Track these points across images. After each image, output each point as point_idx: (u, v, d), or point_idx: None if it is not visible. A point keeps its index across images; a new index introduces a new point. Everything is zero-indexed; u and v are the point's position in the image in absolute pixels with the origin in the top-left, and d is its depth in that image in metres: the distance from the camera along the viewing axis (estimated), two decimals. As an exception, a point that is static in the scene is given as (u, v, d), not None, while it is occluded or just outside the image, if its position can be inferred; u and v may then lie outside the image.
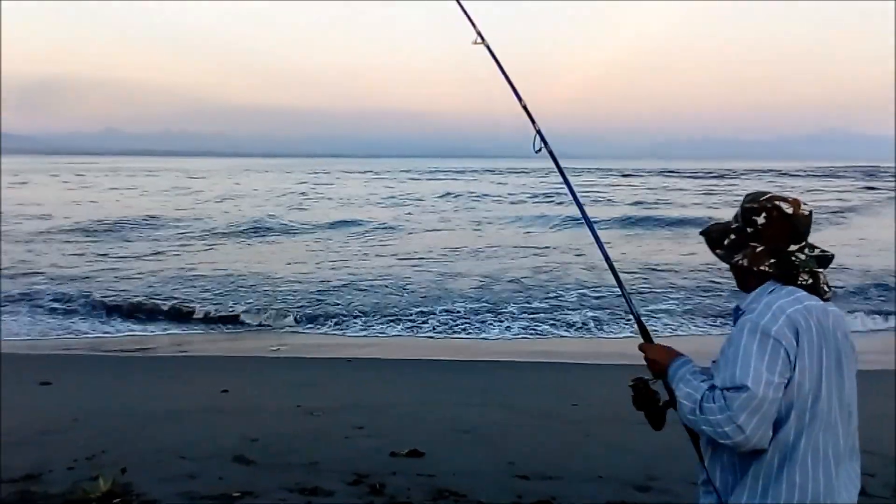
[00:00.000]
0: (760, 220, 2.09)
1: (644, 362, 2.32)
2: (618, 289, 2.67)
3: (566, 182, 2.91)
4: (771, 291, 2.05)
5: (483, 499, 4.72)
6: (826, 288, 2.07)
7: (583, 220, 2.87)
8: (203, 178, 64.78)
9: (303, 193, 45.91)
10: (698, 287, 14.06)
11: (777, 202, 2.09)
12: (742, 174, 73.35)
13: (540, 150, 2.97)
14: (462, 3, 3.36)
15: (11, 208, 30.26)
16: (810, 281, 2.05)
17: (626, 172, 78.13)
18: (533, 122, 3.02)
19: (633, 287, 13.98)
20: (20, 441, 5.70)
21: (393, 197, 42.89)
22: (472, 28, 3.21)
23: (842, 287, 13.21)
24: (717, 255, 2.22)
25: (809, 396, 1.95)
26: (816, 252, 2.11)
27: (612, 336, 10.86)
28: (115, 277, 15.63)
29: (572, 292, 13.60)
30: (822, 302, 2.04)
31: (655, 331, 10.37)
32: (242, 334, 11.32)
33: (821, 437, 1.96)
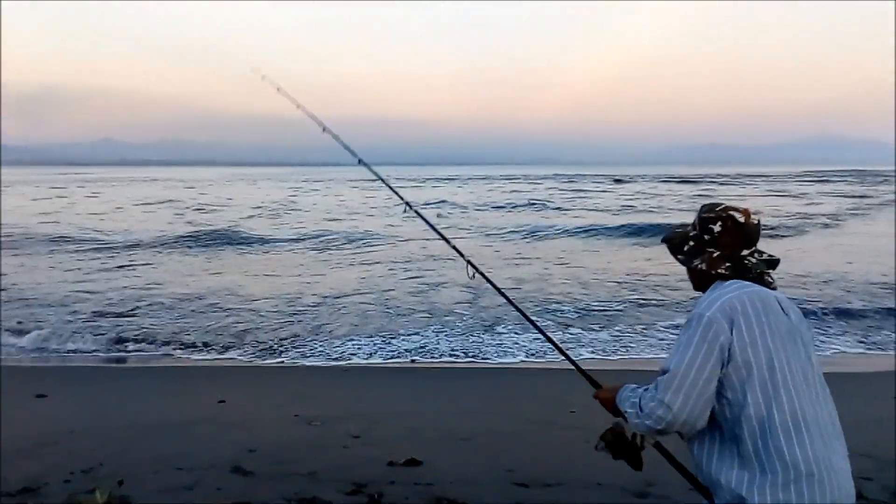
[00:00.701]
0: (717, 228, 2.31)
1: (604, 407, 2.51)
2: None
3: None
4: (716, 288, 2.26)
5: (482, 507, 4.71)
6: (770, 279, 2.30)
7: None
8: (190, 188, 63.75)
9: (276, 203, 44.47)
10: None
11: (731, 212, 2.31)
12: (719, 179, 72.93)
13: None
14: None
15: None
16: (752, 278, 2.26)
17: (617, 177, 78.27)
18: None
19: (647, 300, 13.28)
20: (16, 454, 5.67)
21: (375, 207, 40.89)
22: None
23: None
24: (677, 259, 2.43)
25: (764, 368, 2.07)
26: (765, 256, 2.33)
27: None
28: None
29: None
30: (764, 288, 2.24)
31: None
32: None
33: (796, 403, 2.05)
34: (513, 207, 39.14)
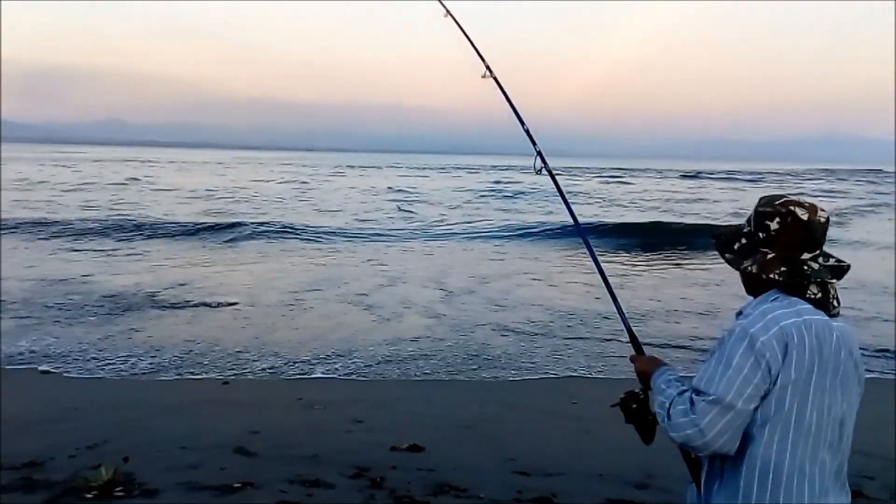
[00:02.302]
0: (774, 225, 2.00)
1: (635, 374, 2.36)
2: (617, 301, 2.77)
3: (566, 203, 3.11)
4: (773, 300, 1.98)
5: (483, 494, 4.75)
6: (836, 303, 1.98)
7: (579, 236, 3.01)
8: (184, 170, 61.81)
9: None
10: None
11: (792, 207, 1.99)
12: (721, 176, 71.57)
13: (540, 170, 3.13)
14: (472, 39, 3.64)
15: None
16: (819, 295, 1.97)
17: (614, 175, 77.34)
18: (534, 143, 3.23)
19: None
20: (22, 429, 5.73)
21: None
22: (481, 62, 3.52)
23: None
24: (725, 259, 2.14)
25: (793, 415, 1.88)
26: (831, 262, 2.01)
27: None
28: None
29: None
30: (826, 317, 1.96)
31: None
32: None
33: (808, 458, 1.89)
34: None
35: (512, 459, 5.39)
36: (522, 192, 40.78)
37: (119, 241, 19.56)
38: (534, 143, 3.19)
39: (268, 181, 49.41)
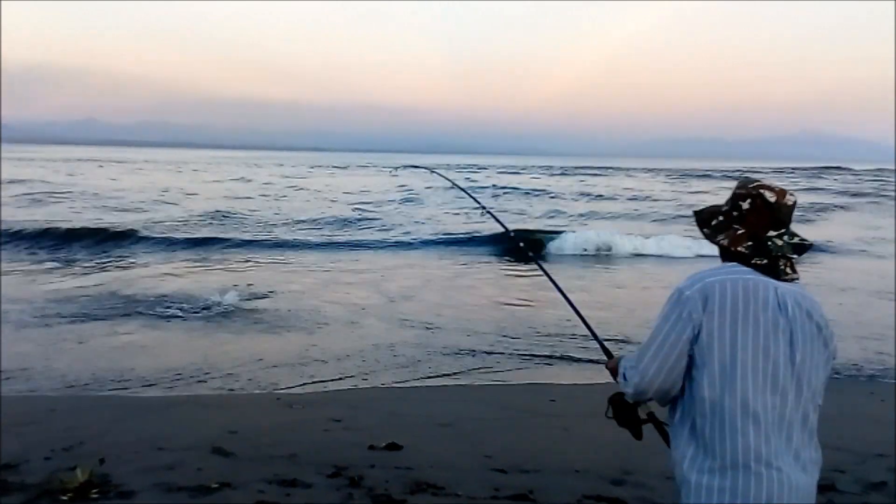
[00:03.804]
0: (745, 205, 2.24)
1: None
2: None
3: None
4: (718, 268, 2.24)
5: (461, 492, 4.76)
6: (789, 271, 2.21)
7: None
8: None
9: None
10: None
11: (762, 190, 2.22)
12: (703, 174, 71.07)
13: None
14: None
15: None
16: (765, 261, 2.19)
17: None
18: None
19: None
20: (-5, 431, 5.66)
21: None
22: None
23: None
24: (703, 233, 2.37)
25: (727, 355, 2.09)
26: (795, 240, 2.22)
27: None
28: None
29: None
30: (764, 278, 2.17)
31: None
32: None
33: (749, 395, 2.07)
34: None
35: (489, 457, 5.41)
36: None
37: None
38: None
39: (221, 182, 47.64)
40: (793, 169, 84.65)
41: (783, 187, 2.25)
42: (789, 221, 2.24)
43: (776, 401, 2.09)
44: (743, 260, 2.21)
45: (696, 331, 2.12)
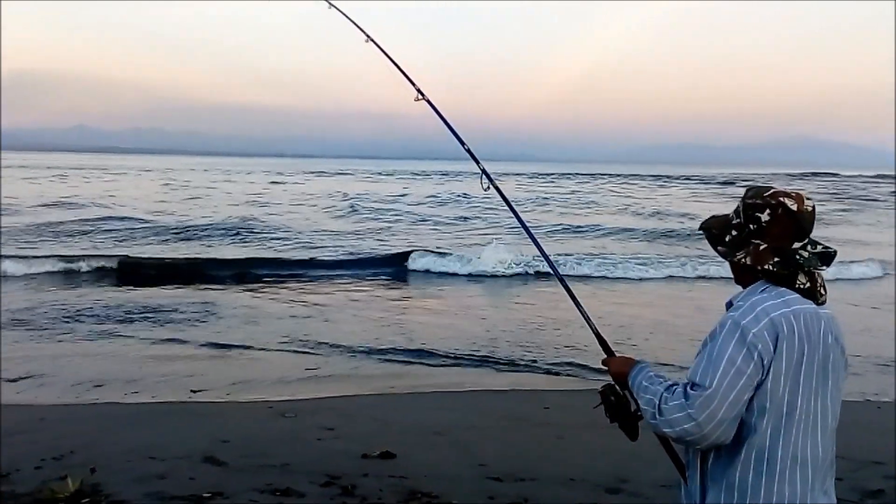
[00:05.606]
0: (764, 217, 2.04)
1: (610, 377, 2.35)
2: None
3: (515, 213, 3.11)
4: (762, 291, 2.02)
5: (455, 500, 4.74)
6: (822, 291, 2.05)
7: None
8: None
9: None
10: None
11: (781, 198, 2.03)
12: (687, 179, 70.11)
13: (488, 188, 3.14)
14: (397, 62, 3.55)
15: None
16: (808, 284, 2.02)
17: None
18: (477, 162, 3.20)
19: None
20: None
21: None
22: (412, 87, 3.44)
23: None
24: (718, 251, 2.17)
25: (785, 403, 1.93)
26: (819, 249, 2.05)
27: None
28: None
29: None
30: (814, 306, 2.01)
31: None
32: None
33: (800, 445, 1.94)
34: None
35: (483, 465, 5.39)
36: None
37: None
38: (477, 162, 3.18)
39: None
40: (773, 174, 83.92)
41: (800, 192, 2.06)
42: (811, 230, 2.05)
43: (826, 443, 1.99)
44: (772, 278, 2.03)
45: (766, 375, 1.92)
